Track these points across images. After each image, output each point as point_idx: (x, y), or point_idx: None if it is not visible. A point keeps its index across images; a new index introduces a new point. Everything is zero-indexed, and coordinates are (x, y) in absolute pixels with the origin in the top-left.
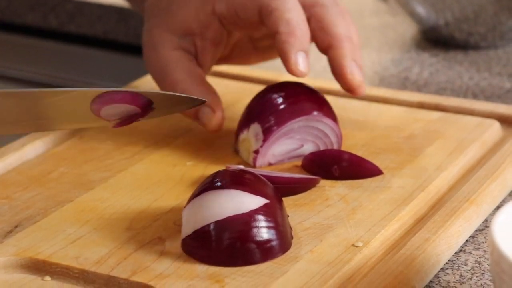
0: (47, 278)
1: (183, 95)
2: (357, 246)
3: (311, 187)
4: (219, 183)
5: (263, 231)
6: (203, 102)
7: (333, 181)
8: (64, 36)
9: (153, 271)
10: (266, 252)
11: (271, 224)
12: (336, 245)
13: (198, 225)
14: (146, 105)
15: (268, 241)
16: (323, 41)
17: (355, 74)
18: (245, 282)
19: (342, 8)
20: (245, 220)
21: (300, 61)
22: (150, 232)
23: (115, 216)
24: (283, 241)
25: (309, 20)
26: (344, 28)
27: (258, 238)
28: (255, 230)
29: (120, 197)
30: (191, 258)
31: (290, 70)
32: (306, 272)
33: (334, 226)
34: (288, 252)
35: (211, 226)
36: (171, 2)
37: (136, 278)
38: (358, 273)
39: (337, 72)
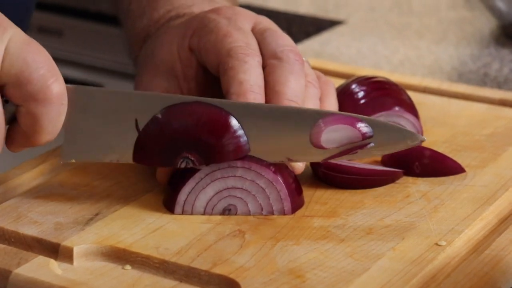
0: (128, 267)
1: (401, 127)
2: (440, 245)
3: (394, 180)
4: None
5: None
6: (422, 140)
7: (414, 178)
8: None
9: (234, 263)
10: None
11: None
12: (419, 244)
13: None
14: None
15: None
16: (266, 96)
17: None
18: (327, 278)
19: (310, 72)
20: None
21: None
22: (229, 224)
23: None
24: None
25: (263, 70)
26: (291, 90)
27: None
28: None
29: None
30: (270, 251)
31: None
32: (388, 270)
33: (416, 224)
34: (370, 249)
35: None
36: (154, 46)
37: (217, 270)
38: (442, 273)
39: None
